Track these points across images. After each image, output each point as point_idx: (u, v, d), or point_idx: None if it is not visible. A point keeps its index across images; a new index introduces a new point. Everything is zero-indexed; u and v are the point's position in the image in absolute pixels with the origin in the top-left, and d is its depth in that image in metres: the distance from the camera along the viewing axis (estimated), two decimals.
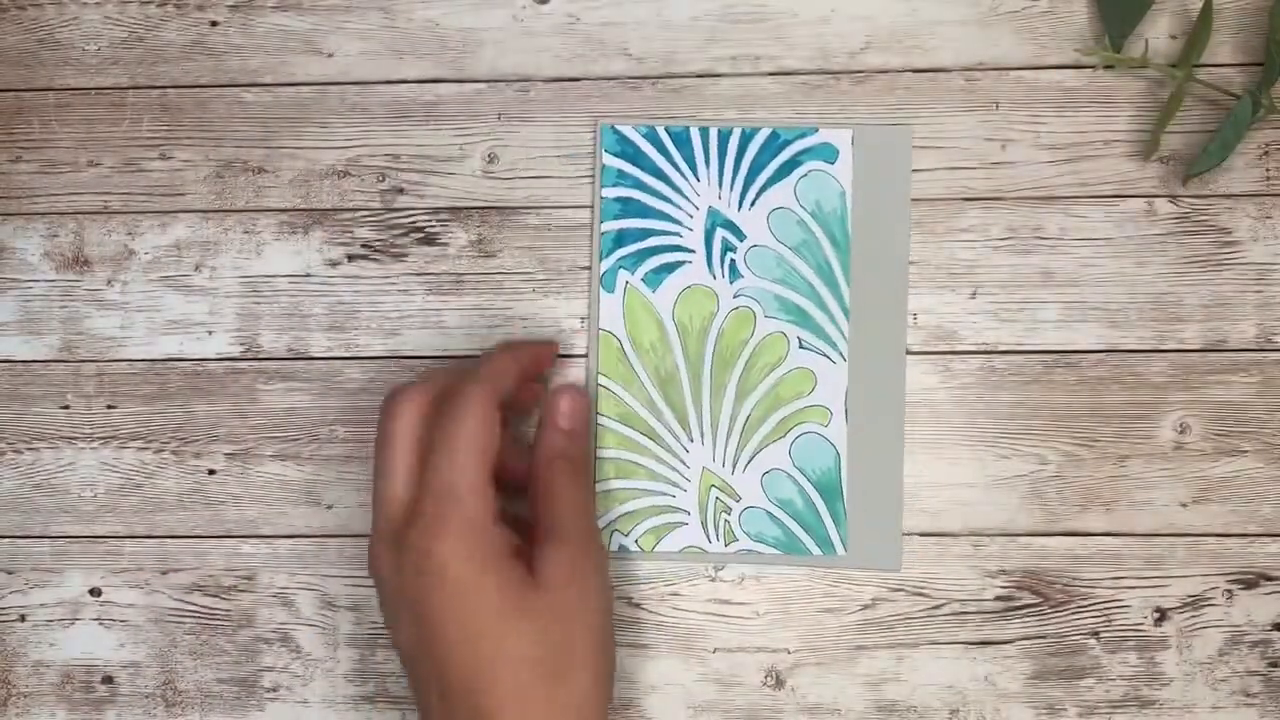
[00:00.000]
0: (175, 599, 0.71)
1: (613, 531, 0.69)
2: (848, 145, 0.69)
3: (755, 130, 0.69)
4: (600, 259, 0.70)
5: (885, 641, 0.69)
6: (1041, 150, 0.69)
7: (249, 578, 0.71)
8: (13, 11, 0.72)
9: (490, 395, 0.60)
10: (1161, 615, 0.68)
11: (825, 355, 0.69)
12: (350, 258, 0.71)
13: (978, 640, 0.69)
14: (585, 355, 0.70)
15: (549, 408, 0.66)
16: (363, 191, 0.71)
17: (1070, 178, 0.69)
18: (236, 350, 0.71)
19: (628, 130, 0.70)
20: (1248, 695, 0.68)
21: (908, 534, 0.69)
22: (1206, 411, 0.69)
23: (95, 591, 0.71)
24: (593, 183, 0.70)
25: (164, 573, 0.71)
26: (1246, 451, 0.68)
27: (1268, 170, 0.69)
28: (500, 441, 0.60)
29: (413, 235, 0.70)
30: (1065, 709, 0.68)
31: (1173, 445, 0.69)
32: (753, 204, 0.69)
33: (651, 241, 0.70)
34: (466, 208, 0.71)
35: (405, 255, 0.71)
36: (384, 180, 0.71)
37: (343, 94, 0.71)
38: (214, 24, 0.71)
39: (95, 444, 0.71)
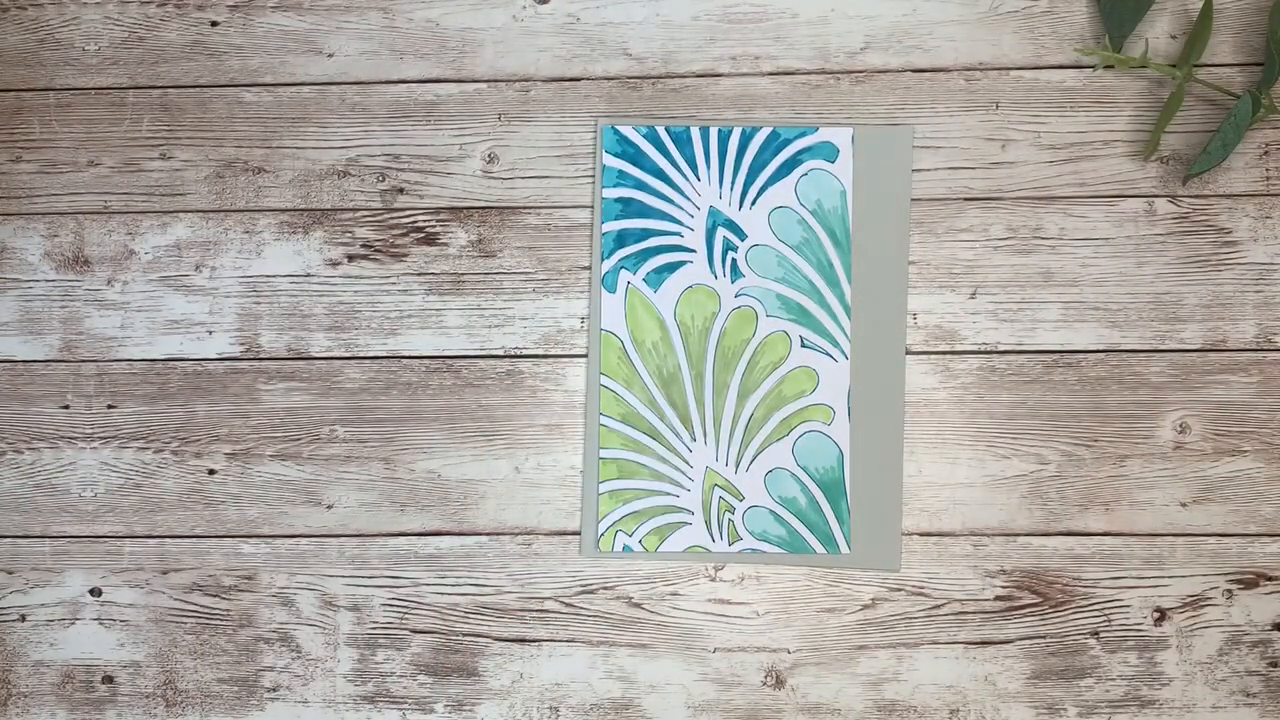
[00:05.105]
0: (175, 599, 0.71)
1: (616, 532, 0.69)
2: (848, 144, 0.69)
3: (755, 130, 0.69)
4: (601, 259, 0.70)
5: (885, 641, 0.69)
6: (1041, 150, 0.69)
7: (249, 578, 0.71)
8: (13, 11, 0.72)
9: None
10: (1161, 615, 0.68)
11: (827, 354, 0.69)
12: (350, 258, 0.71)
13: (978, 640, 0.69)
14: (586, 355, 0.70)
15: None
16: (363, 191, 0.71)
17: (1070, 178, 0.69)
18: (237, 350, 0.71)
19: (628, 131, 0.70)
20: (1248, 695, 0.68)
21: (908, 534, 0.69)
22: (1206, 411, 0.69)
23: (95, 591, 0.71)
24: (593, 183, 0.70)
25: (164, 572, 0.71)
26: (1246, 451, 0.68)
27: (1268, 170, 0.69)
28: None
29: (413, 235, 0.70)
30: (1065, 709, 0.68)
31: (1173, 445, 0.69)
32: (753, 203, 0.69)
33: (653, 241, 0.70)
34: (466, 208, 0.71)
35: (405, 255, 0.71)
36: (384, 180, 0.71)
37: (343, 94, 0.71)
38: (214, 24, 0.71)
39: (95, 444, 0.71)
